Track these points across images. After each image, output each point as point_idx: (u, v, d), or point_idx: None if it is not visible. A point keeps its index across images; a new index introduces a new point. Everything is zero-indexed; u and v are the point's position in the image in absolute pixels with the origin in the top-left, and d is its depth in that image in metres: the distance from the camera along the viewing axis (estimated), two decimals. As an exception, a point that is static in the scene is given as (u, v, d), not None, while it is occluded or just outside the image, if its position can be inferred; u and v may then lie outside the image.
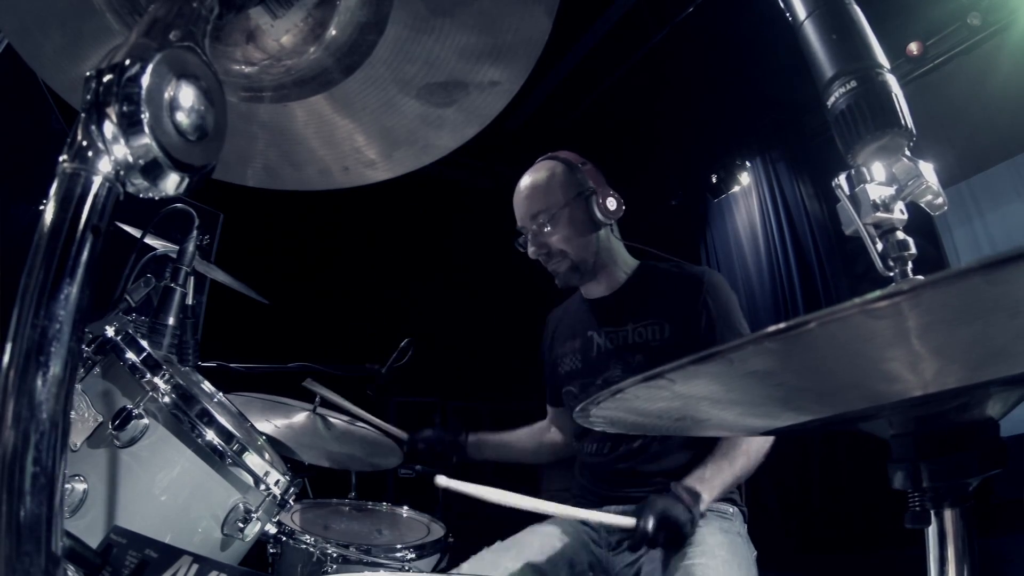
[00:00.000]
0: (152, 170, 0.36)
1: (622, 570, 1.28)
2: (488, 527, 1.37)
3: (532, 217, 1.48)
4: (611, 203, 1.47)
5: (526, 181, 1.53)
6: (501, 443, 1.77)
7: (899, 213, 0.56)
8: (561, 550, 1.31)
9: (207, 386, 1.15)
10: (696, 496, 1.20)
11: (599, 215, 1.46)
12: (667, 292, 1.46)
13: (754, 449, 1.31)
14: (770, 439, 1.33)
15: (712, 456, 1.30)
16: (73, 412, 0.89)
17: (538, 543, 1.32)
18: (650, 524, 1.09)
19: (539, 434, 1.78)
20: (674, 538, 1.13)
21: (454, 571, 1.26)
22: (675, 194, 5.01)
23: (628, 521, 1.10)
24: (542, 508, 1.05)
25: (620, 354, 1.45)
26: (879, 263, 0.56)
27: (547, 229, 1.47)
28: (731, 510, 1.34)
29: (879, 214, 0.55)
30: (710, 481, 1.25)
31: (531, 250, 1.50)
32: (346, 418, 1.76)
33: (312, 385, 1.69)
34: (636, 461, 1.39)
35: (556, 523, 1.41)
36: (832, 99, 0.58)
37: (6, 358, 0.31)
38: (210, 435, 0.95)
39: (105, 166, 0.35)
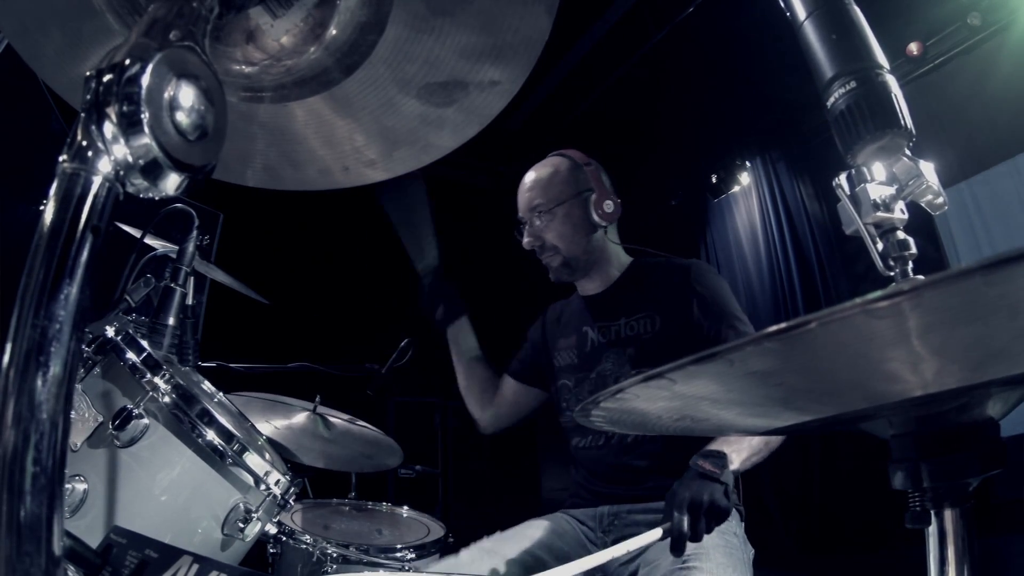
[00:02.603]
0: (152, 170, 0.36)
1: (618, 569, 1.28)
2: (488, 527, 1.37)
3: (531, 209, 1.53)
4: (608, 206, 1.49)
5: (531, 174, 1.58)
6: (470, 347, 1.70)
7: (899, 213, 0.56)
8: (558, 546, 1.32)
9: (207, 386, 1.15)
10: (721, 459, 1.07)
11: (595, 217, 1.49)
12: (656, 285, 1.49)
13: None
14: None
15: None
16: (73, 412, 0.89)
17: (533, 539, 1.32)
18: (684, 523, 0.97)
19: (491, 381, 1.72)
20: (716, 518, 1.02)
21: (453, 573, 1.26)
22: (675, 194, 5.00)
23: (656, 534, 0.96)
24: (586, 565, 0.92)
25: (613, 347, 1.47)
26: (879, 263, 0.56)
27: (539, 223, 1.51)
28: (729, 509, 1.34)
29: (879, 214, 0.55)
30: (737, 443, 1.16)
31: (526, 240, 1.55)
32: (346, 418, 1.76)
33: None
34: (632, 456, 1.39)
35: (552, 519, 1.41)
36: (832, 99, 0.58)
37: (6, 358, 0.31)
38: (210, 435, 0.95)
39: (105, 166, 0.35)
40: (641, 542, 0.94)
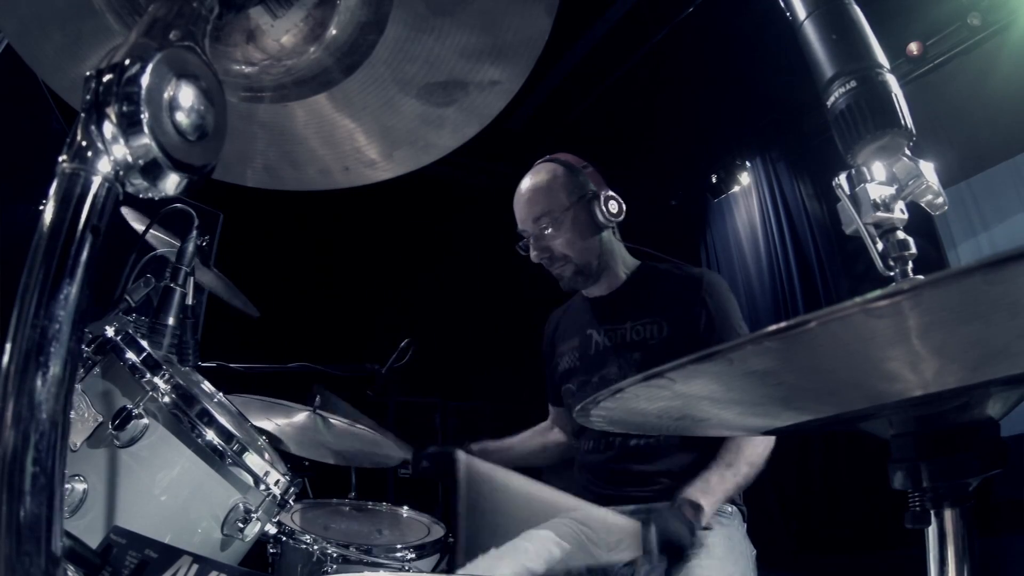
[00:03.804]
0: (152, 170, 0.36)
1: (620, 571, 1.28)
2: (488, 528, 1.36)
3: (535, 220, 1.47)
4: (613, 206, 1.48)
5: (527, 184, 1.52)
6: (504, 449, 1.72)
7: (899, 213, 0.56)
8: (557, 554, 1.31)
9: (207, 386, 1.15)
10: (698, 509, 1.19)
11: (601, 218, 1.46)
12: (666, 292, 1.47)
13: (757, 454, 1.30)
14: (771, 444, 1.33)
15: (715, 463, 1.29)
16: (73, 412, 0.89)
17: (534, 548, 1.32)
18: (654, 549, 1.08)
19: (542, 435, 1.76)
20: (677, 556, 1.13)
21: (453, 573, 1.26)
22: (675, 194, 5.01)
23: (634, 525, 1.09)
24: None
25: (618, 352, 1.45)
26: (879, 263, 0.56)
27: (549, 232, 1.46)
28: (730, 509, 1.34)
29: (879, 214, 0.55)
30: (713, 492, 1.24)
31: (533, 254, 1.49)
32: (346, 419, 1.76)
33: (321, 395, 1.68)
34: (635, 460, 1.39)
35: (553, 527, 1.41)
36: (832, 99, 0.58)
37: (6, 358, 0.31)
38: (210, 435, 0.95)
39: (105, 166, 0.35)
40: (620, 521, 1.09)
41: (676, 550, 1.11)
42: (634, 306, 1.48)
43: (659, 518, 1.12)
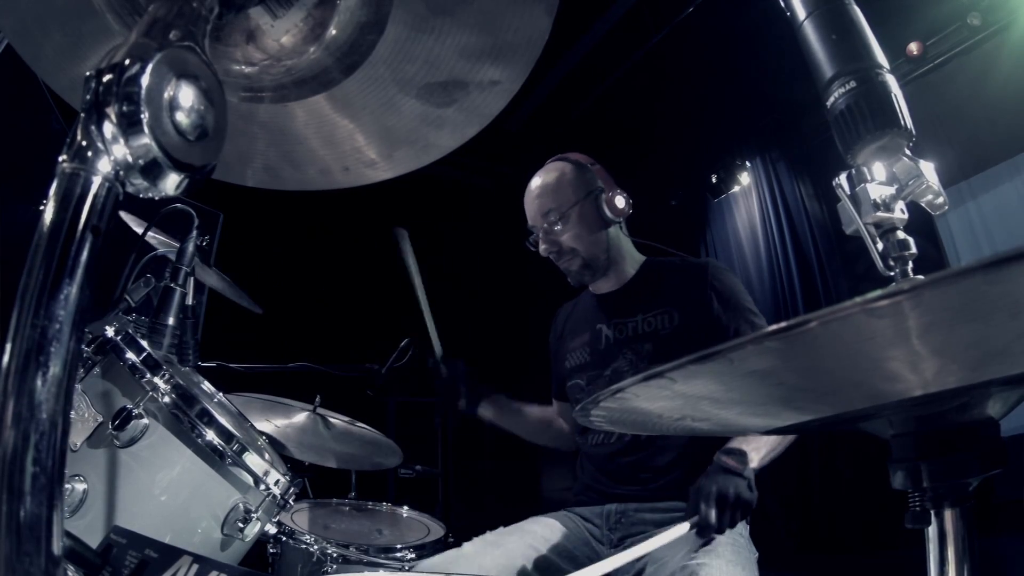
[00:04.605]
0: (152, 170, 0.36)
1: (625, 566, 1.27)
2: (488, 527, 1.36)
3: (543, 215, 1.51)
4: (620, 201, 1.51)
5: (536, 181, 1.56)
6: (514, 411, 1.70)
7: (900, 212, 0.56)
8: (562, 544, 1.32)
9: (207, 386, 1.15)
10: (742, 456, 1.13)
11: (608, 213, 1.50)
12: (674, 282, 1.49)
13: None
14: None
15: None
16: (73, 412, 0.89)
17: (540, 535, 1.32)
18: (712, 515, 1.01)
19: (550, 416, 1.76)
20: (742, 511, 1.06)
21: (453, 573, 1.26)
22: (675, 194, 5.00)
23: (683, 528, 0.99)
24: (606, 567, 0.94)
25: (629, 344, 1.46)
26: (879, 263, 0.56)
27: (558, 227, 1.50)
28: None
29: (879, 214, 0.55)
30: (755, 441, 1.20)
31: (542, 248, 1.53)
32: (346, 418, 1.76)
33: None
34: (642, 454, 1.39)
35: (557, 517, 1.41)
36: (832, 99, 0.58)
37: (6, 358, 0.31)
38: (210, 435, 0.95)
39: (105, 166, 0.35)
40: (669, 537, 0.94)
41: (737, 506, 1.04)
42: (643, 299, 1.50)
43: (703, 485, 1.06)
